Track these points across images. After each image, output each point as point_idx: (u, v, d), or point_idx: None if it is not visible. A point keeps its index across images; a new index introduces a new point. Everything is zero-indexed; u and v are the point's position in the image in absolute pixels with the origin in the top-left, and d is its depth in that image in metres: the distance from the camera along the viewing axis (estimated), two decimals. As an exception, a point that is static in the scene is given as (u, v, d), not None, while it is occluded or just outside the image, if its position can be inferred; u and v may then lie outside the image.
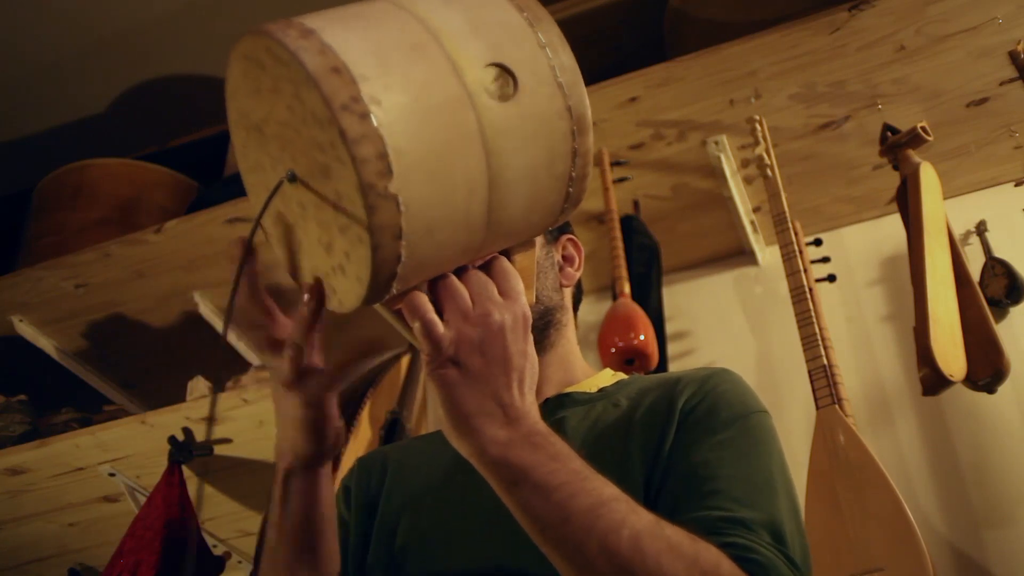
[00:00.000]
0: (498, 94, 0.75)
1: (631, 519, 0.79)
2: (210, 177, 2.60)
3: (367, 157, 0.69)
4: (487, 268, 0.84)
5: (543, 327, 1.11)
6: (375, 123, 0.70)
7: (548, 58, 0.78)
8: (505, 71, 0.76)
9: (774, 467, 0.95)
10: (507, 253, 0.86)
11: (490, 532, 0.97)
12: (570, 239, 1.20)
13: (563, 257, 1.18)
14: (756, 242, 2.34)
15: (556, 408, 1.08)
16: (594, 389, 1.12)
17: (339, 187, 0.72)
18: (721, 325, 2.32)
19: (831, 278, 2.11)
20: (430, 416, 2.21)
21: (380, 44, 0.73)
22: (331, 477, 0.96)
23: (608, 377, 1.15)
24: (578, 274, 1.19)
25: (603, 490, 0.80)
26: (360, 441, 2.00)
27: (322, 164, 0.73)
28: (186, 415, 2.03)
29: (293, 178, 0.76)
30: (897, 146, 1.95)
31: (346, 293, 0.77)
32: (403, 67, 0.73)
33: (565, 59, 0.79)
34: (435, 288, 0.81)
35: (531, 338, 0.84)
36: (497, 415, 0.80)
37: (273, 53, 0.73)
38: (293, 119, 0.75)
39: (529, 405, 0.82)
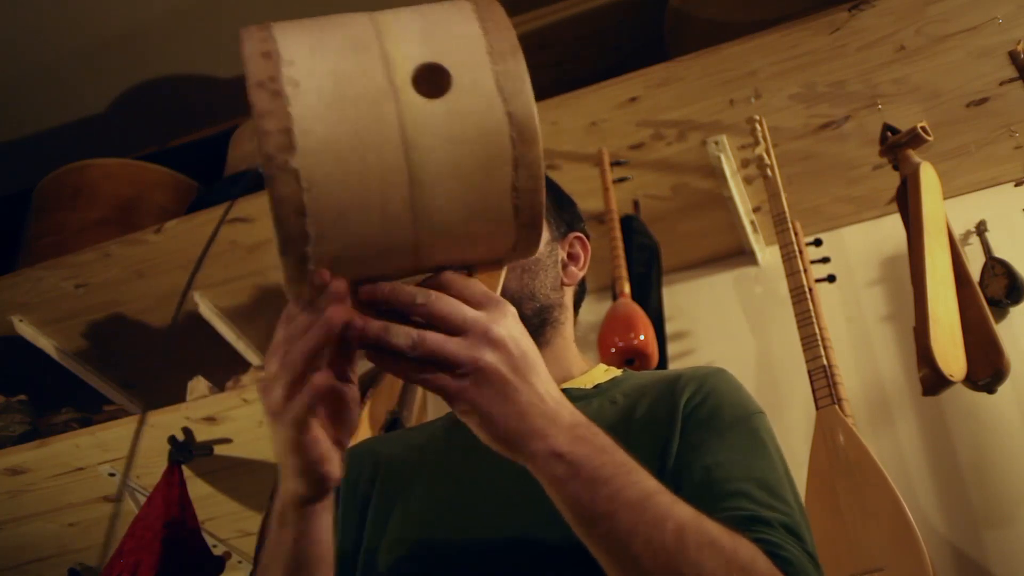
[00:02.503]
0: (426, 91, 0.76)
1: (674, 511, 0.79)
2: (210, 177, 2.60)
3: (270, 130, 0.71)
4: (444, 288, 0.79)
5: (539, 324, 1.10)
6: (285, 102, 0.72)
7: (491, 64, 0.78)
8: (439, 70, 0.77)
9: (780, 467, 0.97)
10: (471, 271, 0.83)
11: (484, 525, 0.97)
12: (578, 237, 1.18)
13: (568, 255, 1.17)
14: (756, 242, 2.34)
15: None
16: (589, 385, 1.11)
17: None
18: (721, 325, 2.32)
19: (831, 278, 2.11)
20: (430, 416, 2.21)
21: (322, 40, 0.76)
22: (329, 512, 0.94)
23: (601, 373, 1.15)
24: (582, 273, 1.18)
25: (647, 483, 0.80)
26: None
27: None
28: (186, 415, 2.04)
29: (259, 172, 0.78)
30: (897, 146, 1.95)
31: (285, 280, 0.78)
32: (335, 59, 0.75)
33: (512, 67, 0.78)
34: (415, 322, 0.77)
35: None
36: (537, 418, 0.78)
37: None
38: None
39: (560, 396, 0.81)
